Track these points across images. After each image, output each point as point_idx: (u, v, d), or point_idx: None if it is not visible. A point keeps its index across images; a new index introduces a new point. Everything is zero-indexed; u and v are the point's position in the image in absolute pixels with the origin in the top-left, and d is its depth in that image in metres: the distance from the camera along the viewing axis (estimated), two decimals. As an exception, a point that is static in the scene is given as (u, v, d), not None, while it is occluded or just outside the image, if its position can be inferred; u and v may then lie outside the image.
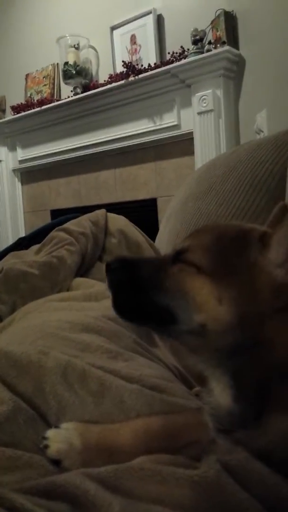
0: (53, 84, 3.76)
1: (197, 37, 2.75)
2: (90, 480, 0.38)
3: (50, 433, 0.56)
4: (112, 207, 1.76)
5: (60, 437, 0.56)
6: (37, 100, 3.69)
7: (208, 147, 2.76)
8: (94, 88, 3.29)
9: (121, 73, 3.08)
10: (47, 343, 0.72)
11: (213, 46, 2.67)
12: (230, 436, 0.48)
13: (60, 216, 2.22)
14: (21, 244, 2.07)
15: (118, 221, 1.47)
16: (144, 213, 3.15)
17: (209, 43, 2.72)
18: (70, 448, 0.55)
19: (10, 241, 3.75)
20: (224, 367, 0.50)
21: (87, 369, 0.65)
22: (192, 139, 2.86)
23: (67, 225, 1.41)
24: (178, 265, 0.53)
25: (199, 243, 0.53)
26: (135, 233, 1.42)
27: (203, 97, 2.75)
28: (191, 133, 2.86)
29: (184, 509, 0.36)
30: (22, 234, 3.99)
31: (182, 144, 3.02)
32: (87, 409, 0.61)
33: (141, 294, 0.53)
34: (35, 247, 1.46)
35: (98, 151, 3.47)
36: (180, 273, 0.52)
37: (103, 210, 1.49)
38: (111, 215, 1.50)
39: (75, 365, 0.65)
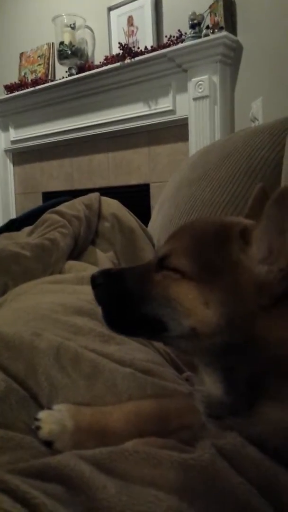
0: (48, 64, 3.70)
1: (195, 21, 2.71)
2: (85, 462, 0.38)
3: (42, 414, 0.56)
4: (105, 191, 1.75)
5: (52, 419, 0.56)
6: (31, 80, 3.63)
7: (203, 134, 2.75)
8: (90, 70, 3.24)
9: (117, 55, 3.04)
10: (39, 325, 0.72)
11: (211, 31, 2.64)
12: (220, 422, 0.49)
13: (52, 199, 2.20)
14: (12, 226, 2.06)
15: (111, 205, 1.46)
16: (136, 198, 3.14)
17: (207, 27, 2.68)
18: (62, 430, 0.55)
19: (1, 222, 3.72)
20: (215, 364, 0.50)
21: (80, 351, 0.65)
22: (186, 124, 2.84)
23: (60, 207, 1.40)
24: (162, 273, 0.52)
25: (179, 246, 0.53)
26: (128, 217, 1.42)
27: (199, 82, 2.72)
28: (186, 119, 2.84)
29: (179, 493, 0.36)
30: (13, 215, 3.96)
31: (177, 130, 3.00)
32: (79, 391, 0.61)
33: (129, 306, 0.53)
34: (27, 229, 1.45)
35: (92, 134, 3.43)
36: (165, 280, 0.51)
37: (96, 194, 1.49)
38: (104, 199, 1.49)
39: (68, 347, 0.65)
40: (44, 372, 0.61)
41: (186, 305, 0.49)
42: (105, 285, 0.55)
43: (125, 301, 0.53)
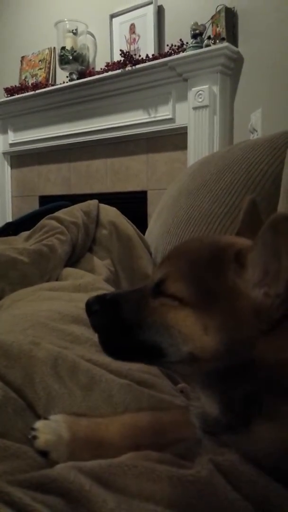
0: (49, 68, 3.71)
1: (197, 31, 2.73)
2: (84, 475, 0.38)
3: (39, 424, 0.56)
4: (102, 197, 1.75)
5: (48, 429, 0.56)
6: (31, 84, 3.65)
7: (202, 143, 2.76)
8: (90, 75, 3.26)
9: (118, 62, 3.06)
10: (37, 333, 0.72)
11: (212, 41, 2.66)
12: (216, 439, 0.49)
13: (49, 203, 2.21)
14: (8, 229, 2.06)
15: (109, 213, 1.47)
16: (134, 205, 3.14)
17: (209, 38, 2.71)
18: (58, 440, 0.55)
19: (-3, 224, 3.71)
20: (213, 387, 0.50)
21: (77, 361, 0.65)
22: (185, 133, 2.86)
23: (59, 213, 1.40)
24: (159, 299, 0.51)
25: (175, 270, 0.52)
26: (126, 225, 1.42)
27: (199, 92, 2.74)
28: (185, 128, 2.86)
29: (177, 508, 0.37)
30: (9, 219, 3.96)
31: (175, 138, 3.01)
32: (76, 401, 0.61)
33: (125, 334, 0.52)
34: (24, 234, 1.45)
35: (90, 139, 3.44)
36: (162, 307, 0.51)
37: (95, 201, 1.49)
38: (103, 206, 1.49)
39: (65, 357, 0.65)
40: (42, 382, 0.61)
41: (185, 331, 0.48)
42: (101, 312, 0.54)
43: (121, 328, 0.52)
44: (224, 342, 0.47)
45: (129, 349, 0.53)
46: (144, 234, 1.57)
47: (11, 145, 3.97)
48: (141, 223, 1.73)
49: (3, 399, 0.57)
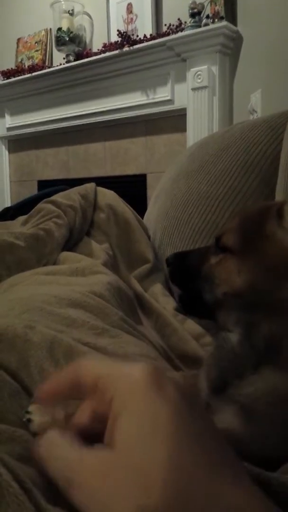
0: (45, 50, 3.66)
1: (195, 10, 2.69)
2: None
3: (33, 407, 0.56)
4: (101, 181, 1.73)
5: (43, 412, 0.56)
6: (28, 66, 3.60)
7: (201, 124, 2.73)
8: (87, 57, 3.22)
9: (116, 42, 3.02)
10: (33, 317, 0.71)
11: (211, 20, 2.62)
12: (222, 396, 0.52)
13: (48, 187, 2.19)
14: (6, 214, 2.05)
15: (107, 196, 1.45)
16: (133, 189, 3.13)
17: (207, 17, 2.66)
18: (53, 423, 0.55)
19: (-5, 210, 3.69)
20: (241, 320, 0.55)
21: (74, 345, 0.65)
22: (184, 115, 2.83)
23: (55, 197, 1.39)
24: (218, 256, 0.59)
25: (230, 226, 0.60)
26: (124, 208, 1.41)
27: (198, 72, 2.71)
28: (184, 109, 2.83)
29: None
30: (8, 203, 3.94)
31: (174, 120, 2.98)
32: (72, 385, 0.61)
33: (185, 283, 0.63)
34: (21, 218, 1.44)
35: (88, 122, 3.41)
36: (215, 261, 0.59)
37: (92, 184, 1.47)
38: (100, 189, 1.48)
39: (61, 341, 0.64)
40: (37, 365, 0.61)
41: (224, 276, 0.56)
42: (173, 264, 0.66)
43: (184, 278, 0.63)
44: (250, 282, 0.53)
45: (189, 298, 0.64)
46: (143, 218, 1.56)
47: (8, 129, 3.93)
48: (141, 206, 1.71)
49: (-2, 383, 0.56)
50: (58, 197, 1.38)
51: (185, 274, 0.63)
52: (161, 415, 0.29)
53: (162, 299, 1.13)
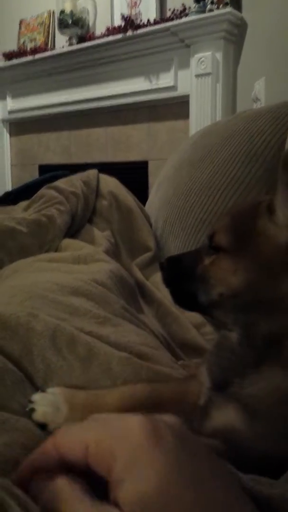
0: (48, 32, 3.62)
1: (200, -5, 2.65)
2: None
3: (37, 396, 0.56)
4: (103, 167, 1.73)
5: (46, 401, 0.56)
6: (30, 49, 3.56)
7: (204, 112, 2.71)
8: (90, 40, 3.18)
9: (119, 26, 2.98)
10: (35, 305, 0.71)
11: (216, 6, 2.58)
12: (224, 394, 0.52)
13: (49, 172, 2.18)
14: (7, 198, 2.04)
15: (109, 183, 1.45)
16: (135, 176, 3.11)
17: (212, 3, 2.63)
18: (56, 412, 0.55)
19: (-4, 194, 3.68)
20: (239, 320, 0.54)
21: (76, 334, 0.65)
22: (187, 102, 2.81)
23: (58, 183, 1.38)
24: (211, 257, 0.58)
25: (222, 224, 0.59)
26: (126, 196, 1.40)
27: (202, 59, 2.68)
28: (187, 96, 2.80)
29: None
30: (9, 187, 3.92)
31: (177, 107, 2.96)
32: (74, 374, 0.61)
33: (179, 285, 0.62)
34: (23, 204, 1.43)
35: (90, 107, 3.38)
36: (209, 262, 0.58)
37: (95, 171, 1.47)
38: (103, 177, 1.47)
39: (64, 329, 0.65)
40: (40, 354, 0.61)
41: (219, 276, 0.55)
42: (167, 268, 0.65)
43: (179, 281, 0.62)
44: (247, 281, 0.52)
45: (183, 298, 0.62)
46: (144, 205, 1.56)
47: (10, 112, 3.90)
48: (142, 193, 1.71)
49: (1, 371, 0.57)
50: (60, 183, 1.38)
51: (180, 277, 0.62)
52: (166, 476, 0.29)
53: (163, 288, 1.13)
